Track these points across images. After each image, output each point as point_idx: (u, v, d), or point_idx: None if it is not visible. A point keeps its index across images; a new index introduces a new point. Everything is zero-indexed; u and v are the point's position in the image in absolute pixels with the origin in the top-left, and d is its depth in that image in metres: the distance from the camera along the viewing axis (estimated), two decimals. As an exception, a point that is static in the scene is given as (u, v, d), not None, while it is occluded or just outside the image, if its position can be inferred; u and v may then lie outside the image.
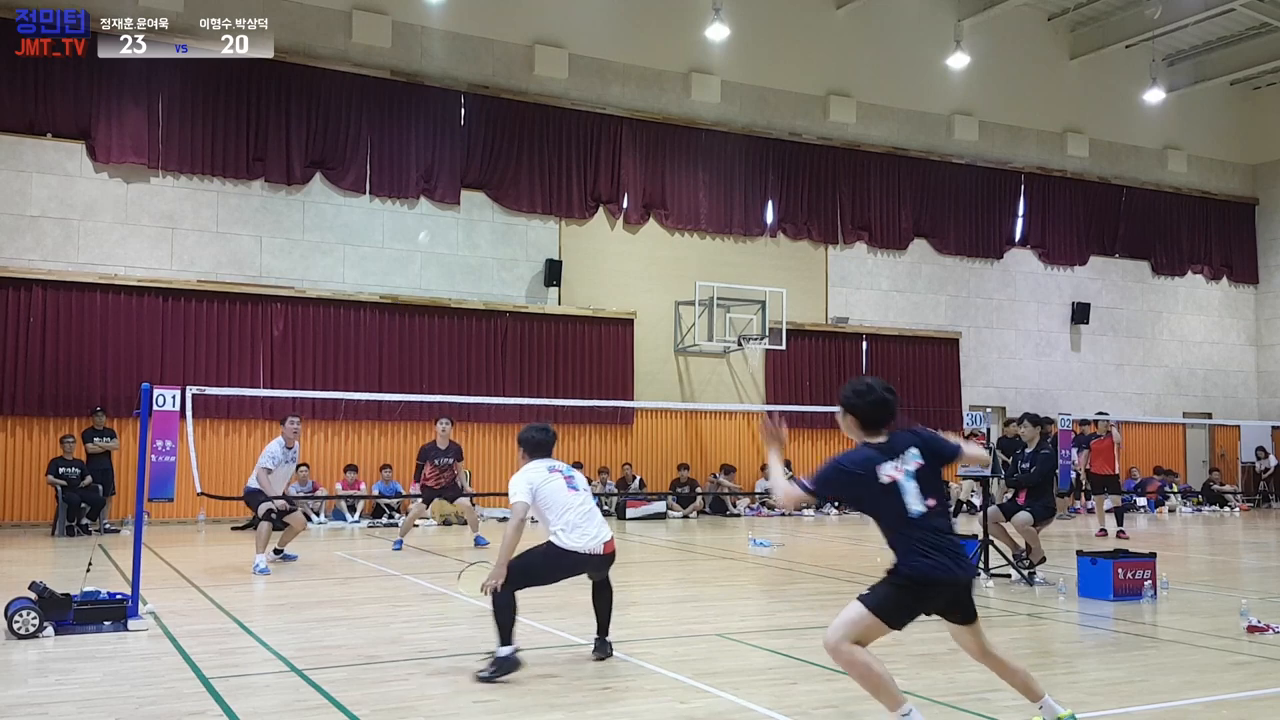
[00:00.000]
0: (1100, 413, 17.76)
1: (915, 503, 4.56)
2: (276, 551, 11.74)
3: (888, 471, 4.58)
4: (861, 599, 4.61)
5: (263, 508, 11.24)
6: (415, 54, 19.03)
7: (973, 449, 4.99)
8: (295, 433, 11.65)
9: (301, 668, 6.24)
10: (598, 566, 6.51)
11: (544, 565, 6.38)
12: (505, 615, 6.13)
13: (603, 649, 6.56)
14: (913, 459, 4.63)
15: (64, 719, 5.20)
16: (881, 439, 4.71)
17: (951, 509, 18.46)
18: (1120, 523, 16.04)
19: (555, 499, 6.39)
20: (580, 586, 10.19)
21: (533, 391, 18.93)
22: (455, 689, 5.81)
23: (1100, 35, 24.66)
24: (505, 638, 6.09)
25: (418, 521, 17.02)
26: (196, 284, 17.23)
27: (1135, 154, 26.34)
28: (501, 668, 6.00)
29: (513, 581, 6.21)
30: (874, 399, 4.72)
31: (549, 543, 6.38)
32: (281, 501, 11.41)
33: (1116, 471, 16.48)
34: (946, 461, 4.79)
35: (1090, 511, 17.42)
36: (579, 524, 6.36)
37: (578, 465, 19.22)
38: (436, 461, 13.58)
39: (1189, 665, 6.65)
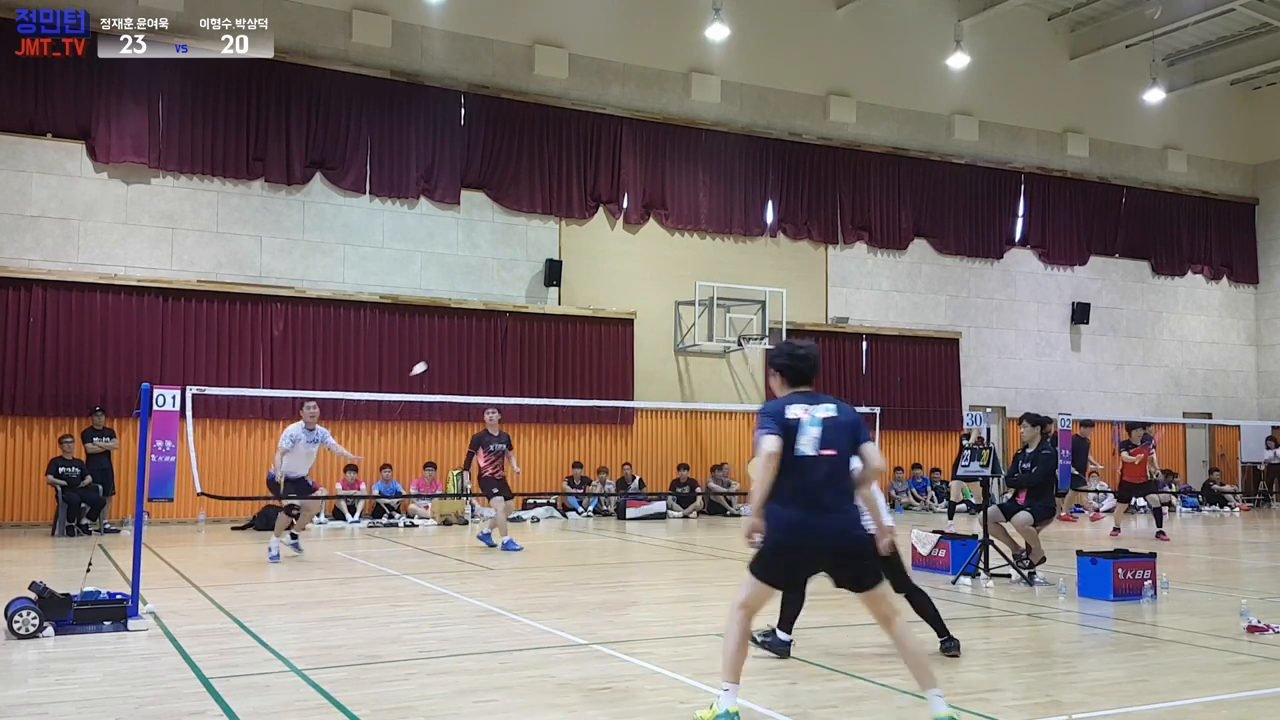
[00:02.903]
0: (1140, 424, 17.49)
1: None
2: (293, 537, 12.50)
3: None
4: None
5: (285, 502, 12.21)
6: (415, 54, 19.03)
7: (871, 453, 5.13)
8: (313, 416, 12.28)
9: (301, 668, 6.24)
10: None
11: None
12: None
13: (949, 646, 6.76)
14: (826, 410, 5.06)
15: (64, 719, 5.20)
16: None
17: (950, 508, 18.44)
18: (1160, 524, 15.98)
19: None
20: (582, 588, 10.21)
21: (533, 391, 18.93)
22: (455, 689, 5.81)
23: (1100, 35, 24.65)
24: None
25: (417, 521, 17.08)
26: (196, 284, 17.23)
27: (1135, 154, 26.34)
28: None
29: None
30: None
31: None
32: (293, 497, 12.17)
33: (1150, 477, 16.37)
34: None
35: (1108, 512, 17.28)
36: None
37: (577, 466, 19.38)
38: (491, 448, 13.56)
39: (1189, 665, 6.65)
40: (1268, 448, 24.50)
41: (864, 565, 4.99)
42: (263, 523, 16.12)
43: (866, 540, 5.06)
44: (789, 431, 4.95)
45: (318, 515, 17.09)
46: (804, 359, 5.28)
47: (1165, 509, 16.16)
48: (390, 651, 6.82)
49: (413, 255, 18.86)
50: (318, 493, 16.98)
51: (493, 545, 13.35)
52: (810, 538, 4.90)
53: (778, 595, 5.16)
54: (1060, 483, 11.58)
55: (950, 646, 6.73)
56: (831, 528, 4.89)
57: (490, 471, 13.58)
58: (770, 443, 4.93)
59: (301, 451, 12.17)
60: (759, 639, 6.61)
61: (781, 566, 5.04)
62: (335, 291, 18.10)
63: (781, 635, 6.72)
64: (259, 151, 17.76)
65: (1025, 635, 7.84)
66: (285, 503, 12.17)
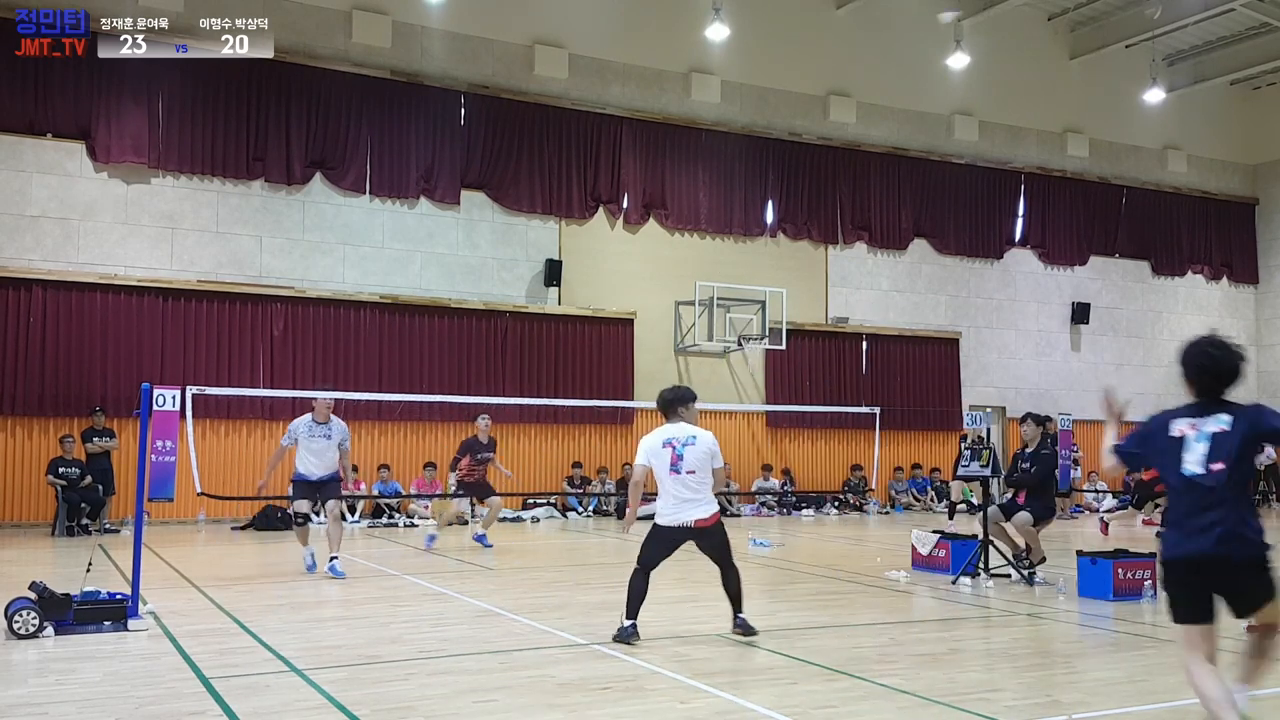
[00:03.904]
0: None
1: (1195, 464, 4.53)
2: (332, 558, 10.72)
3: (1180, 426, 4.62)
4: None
5: (294, 511, 10.88)
6: (415, 54, 19.03)
7: None
8: (327, 406, 10.80)
9: (301, 668, 6.24)
10: (696, 538, 7.17)
11: (652, 543, 7.20)
12: (633, 596, 7.06)
13: (742, 626, 7.20)
14: (1218, 423, 4.59)
15: (64, 719, 5.20)
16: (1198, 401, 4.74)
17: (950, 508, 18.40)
18: (1162, 523, 15.96)
19: (659, 475, 7.08)
20: (582, 588, 10.22)
21: (533, 391, 18.93)
22: (455, 689, 5.81)
23: (1100, 35, 24.65)
24: (629, 613, 7.03)
25: (417, 521, 17.08)
26: (196, 284, 17.23)
27: (1135, 154, 26.34)
28: (621, 636, 6.94)
29: (642, 564, 7.14)
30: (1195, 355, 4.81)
31: (652, 520, 7.20)
32: (304, 503, 10.76)
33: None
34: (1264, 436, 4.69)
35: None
36: (665, 505, 7.08)
37: (577, 466, 19.37)
38: (478, 456, 13.45)
39: (1189, 665, 6.63)
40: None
41: (1260, 581, 4.57)
42: (263, 523, 16.14)
43: (1262, 555, 4.52)
44: (1172, 449, 4.57)
45: (318, 515, 17.00)
46: (1215, 369, 4.72)
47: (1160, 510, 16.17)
48: (390, 651, 6.82)
49: (413, 255, 18.86)
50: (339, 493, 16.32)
51: (489, 546, 13.23)
52: (1196, 563, 4.52)
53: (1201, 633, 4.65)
54: (1060, 483, 11.58)
55: (742, 626, 7.19)
56: (1219, 552, 4.46)
57: (470, 476, 13.45)
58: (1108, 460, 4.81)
59: (310, 448, 10.66)
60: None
61: (1185, 597, 4.62)
62: (335, 291, 18.10)
63: (627, 623, 7.04)
64: (259, 151, 17.76)
65: (1025, 635, 7.84)
66: (294, 511, 10.90)
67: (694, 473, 7.02)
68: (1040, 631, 7.97)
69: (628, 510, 7.44)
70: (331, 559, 10.56)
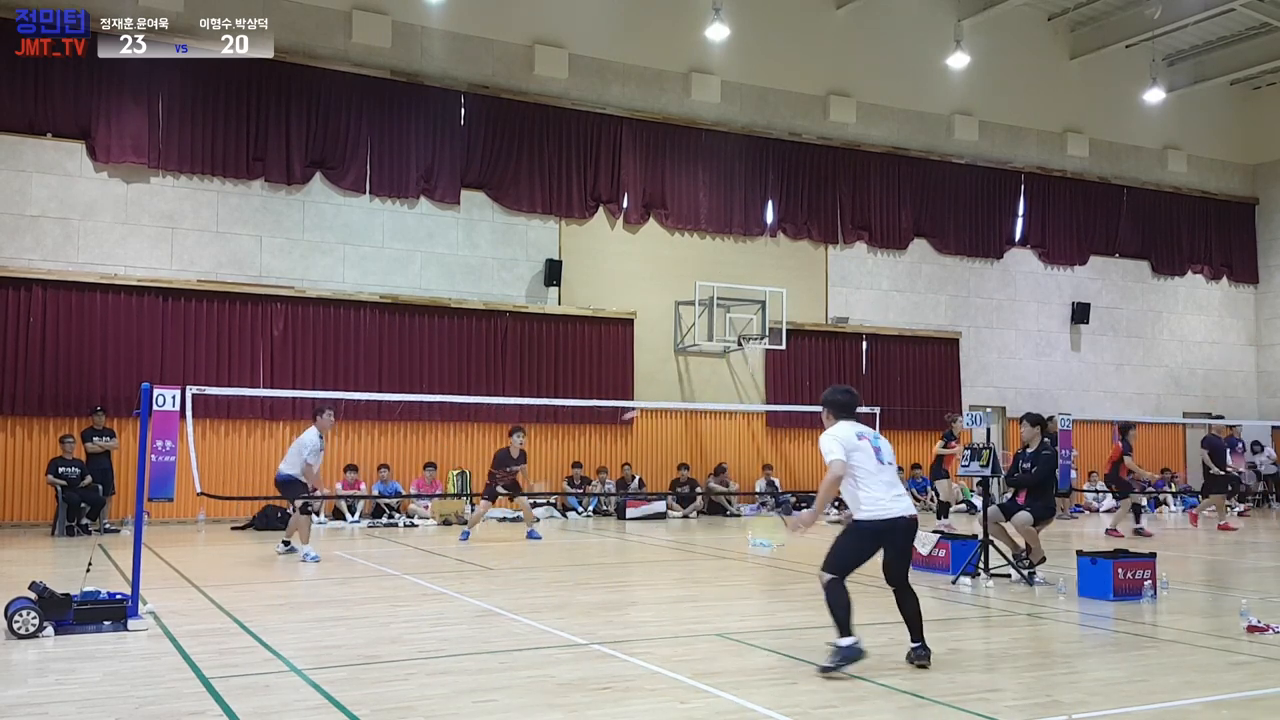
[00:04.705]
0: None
1: None
2: (285, 543, 12.53)
3: None
4: None
5: (299, 501, 12.22)
6: (415, 54, 19.04)
7: None
8: (330, 425, 12.69)
9: (301, 668, 6.24)
10: (901, 533, 6.53)
11: (854, 544, 6.53)
12: (840, 609, 6.30)
13: (919, 655, 6.41)
14: None
15: (64, 719, 5.20)
16: None
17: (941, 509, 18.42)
18: (1138, 520, 16.04)
19: (865, 469, 6.50)
20: (582, 588, 10.22)
21: (533, 391, 18.94)
22: (455, 689, 5.81)
23: (1100, 35, 24.66)
24: (844, 630, 6.25)
25: (417, 521, 17.10)
26: (196, 284, 17.23)
27: (1135, 154, 26.35)
28: (845, 658, 6.17)
29: (838, 570, 6.42)
30: None
31: (853, 520, 6.57)
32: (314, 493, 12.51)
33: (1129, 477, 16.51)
34: None
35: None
36: (880, 496, 6.46)
37: (577, 466, 19.38)
38: (509, 468, 14.75)
39: (1189, 665, 6.65)
40: (1254, 452, 24.43)
41: None
42: (263, 523, 16.14)
43: None
44: None
45: (317, 514, 17.08)
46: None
47: (1162, 509, 16.25)
48: (390, 651, 6.82)
49: (413, 255, 18.86)
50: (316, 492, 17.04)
51: (538, 538, 14.69)
52: None
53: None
54: (1060, 483, 11.58)
55: (920, 655, 6.38)
56: None
57: (503, 479, 14.91)
58: None
59: (317, 459, 12.57)
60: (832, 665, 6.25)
61: None
62: (335, 291, 18.10)
63: (843, 642, 6.27)
64: (259, 151, 17.76)
65: (1025, 635, 7.84)
66: (300, 502, 12.22)
67: (892, 464, 6.67)
68: (1040, 631, 7.97)
69: (815, 505, 6.57)
70: (289, 544, 12.47)
